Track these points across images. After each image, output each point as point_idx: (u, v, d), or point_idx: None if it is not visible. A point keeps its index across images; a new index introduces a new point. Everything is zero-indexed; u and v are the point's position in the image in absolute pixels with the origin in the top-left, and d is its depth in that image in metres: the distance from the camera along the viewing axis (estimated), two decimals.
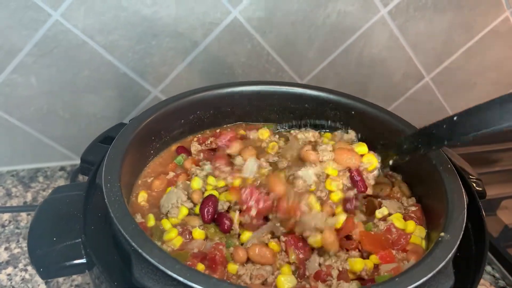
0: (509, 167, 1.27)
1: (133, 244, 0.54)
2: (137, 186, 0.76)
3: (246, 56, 1.12)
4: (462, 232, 0.59)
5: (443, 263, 0.54)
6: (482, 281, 0.95)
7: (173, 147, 0.85)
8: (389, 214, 0.73)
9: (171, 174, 0.78)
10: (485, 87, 1.38)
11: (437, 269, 0.54)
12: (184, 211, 0.70)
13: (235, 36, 1.08)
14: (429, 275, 0.53)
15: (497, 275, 0.99)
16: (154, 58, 1.06)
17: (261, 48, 1.12)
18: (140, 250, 0.54)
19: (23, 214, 1.01)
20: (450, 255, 0.56)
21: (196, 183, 0.74)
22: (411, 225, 0.70)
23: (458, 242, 0.58)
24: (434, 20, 1.19)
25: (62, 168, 1.15)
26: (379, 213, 0.73)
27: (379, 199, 0.76)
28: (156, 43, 1.04)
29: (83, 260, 0.60)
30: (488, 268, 1.00)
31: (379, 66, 1.25)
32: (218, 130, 0.88)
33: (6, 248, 0.93)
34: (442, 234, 0.59)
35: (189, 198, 0.73)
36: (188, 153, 0.83)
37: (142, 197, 0.73)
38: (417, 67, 1.28)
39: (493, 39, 1.27)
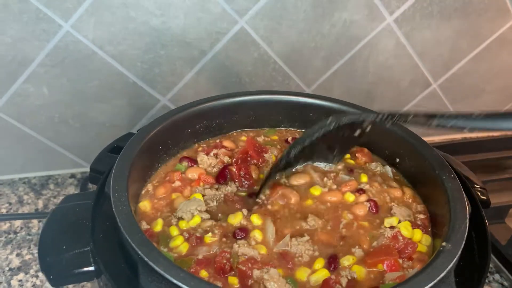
0: None
1: (140, 252, 0.56)
2: (143, 195, 0.77)
3: (253, 65, 1.14)
4: (464, 242, 0.59)
5: (444, 273, 0.55)
6: None
7: (180, 156, 0.86)
8: (398, 221, 0.74)
9: (177, 183, 0.79)
10: (493, 94, 1.38)
11: (437, 278, 0.54)
12: (197, 219, 0.71)
13: (242, 45, 1.09)
14: (430, 285, 0.54)
15: (505, 283, 0.98)
16: (163, 68, 1.08)
17: (268, 57, 1.13)
18: (146, 259, 0.55)
19: (35, 221, 1.03)
20: (451, 265, 0.56)
21: None
22: (418, 234, 0.71)
23: (460, 252, 0.58)
24: (440, 28, 1.20)
25: (72, 176, 1.17)
26: (387, 222, 0.73)
27: (391, 204, 0.77)
28: (165, 53, 1.06)
29: (92, 268, 0.61)
30: (496, 276, 0.99)
31: (386, 73, 1.25)
32: (218, 140, 0.90)
33: (18, 255, 0.95)
34: (444, 244, 0.59)
35: (208, 210, 0.74)
36: (193, 162, 0.84)
37: (143, 206, 0.75)
38: (424, 74, 1.28)
39: (500, 45, 1.27)
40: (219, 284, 0.61)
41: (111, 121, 1.12)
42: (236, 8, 1.04)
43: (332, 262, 0.67)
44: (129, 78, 1.07)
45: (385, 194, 0.79)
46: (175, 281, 0.53)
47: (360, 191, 0.79)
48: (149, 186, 0.79)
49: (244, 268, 0.62)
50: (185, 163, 0.84)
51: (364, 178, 0.81)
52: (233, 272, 0.63)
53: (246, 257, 0.65)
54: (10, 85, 1.00)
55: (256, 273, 0.62)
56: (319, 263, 0.66)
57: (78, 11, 0.95)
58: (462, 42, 1.25)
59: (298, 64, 1.17)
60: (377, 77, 1.25)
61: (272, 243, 0.69)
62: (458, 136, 1.45)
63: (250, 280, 0.62)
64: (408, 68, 1.26)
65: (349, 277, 0.64)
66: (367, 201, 0.77)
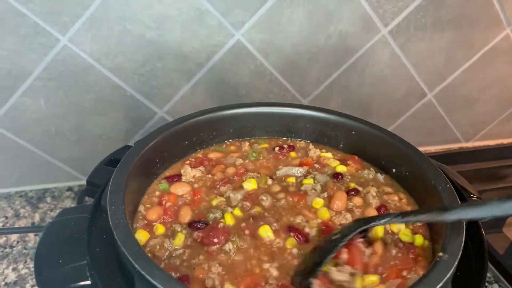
0: None
1: (136, 266, 0.56)
2: (137, 218, 0.75)
3: (250, 77, 1.14)
4: (461, 252, 0.59)
5: (441, 284, 0.55)
6: None
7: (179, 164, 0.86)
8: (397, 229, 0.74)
9: (168, 204, 0.77)
10: (487, 103, 1.39)
11: None
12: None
13: (238, 58, 1.10)
14: None
15: None
16: (160, 80, 1.08)
17: (264, 69, 1.14)
18: (142, 272, 0.55)
19: (31, 235, 1.02)
20: (448, 275, 0.56)
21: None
22: (419, 239, 0.72)
23: (457, 263, 0.58)
24: (434, 39, 1.21)
25: (69, 189, 1.17)
26: (397, 228, 0.74)
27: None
28: (162, 66, 1.06)
29: (88, 282, 0.61)
30: (495, 286, 0.99)
31: (381, 84, 1.26)
32: (199, 155, 0.89)
33: (14, 269, 0.94)
34: (441, 254, 0.59)
35: None
36: (177, 177, 0.83)
37: (140, 235, 0.71)
38: (419, 85, 1.29)
39: (494, 56, 1.28)
40: None
41: (108, 134, 1.12)
42: (232, 21, 1.05)
43: None
44: (126, 91, 1.07)
45: (386, 198, 0.80)
46: None
47: (353, 191, 0.79)
48: (141, 208, 0.76)
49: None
50: (164, 182, 0.82)
51: (352, 185, 0.83)
52: None
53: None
54: (7, 98, 1.00)
55: None
56: None
57: (75, 25, 0.96)
58: (456, 53, 1.26)
59: (294, 75, 1.18)
60: (373, 88, 1.26)
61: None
62: (454, 146, 1.46)
63: None
64: (403, 79, 1.27)
65: None
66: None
